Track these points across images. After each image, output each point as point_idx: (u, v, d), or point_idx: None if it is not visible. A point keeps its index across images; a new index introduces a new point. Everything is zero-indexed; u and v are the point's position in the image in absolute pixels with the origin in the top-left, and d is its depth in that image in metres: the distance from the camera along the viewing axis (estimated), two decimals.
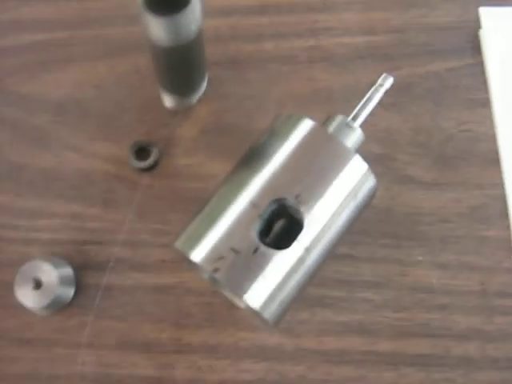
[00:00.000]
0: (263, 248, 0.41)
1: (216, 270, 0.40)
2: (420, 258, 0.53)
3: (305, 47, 0.59)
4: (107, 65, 0.58)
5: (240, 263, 0.40)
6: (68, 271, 0.51)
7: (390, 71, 0.56)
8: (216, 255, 0.41)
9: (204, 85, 0.56)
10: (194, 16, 0.45)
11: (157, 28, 0.45)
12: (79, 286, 0.52)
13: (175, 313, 0.51)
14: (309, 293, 0.52)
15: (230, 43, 0.59)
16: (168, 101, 0.55)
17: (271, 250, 0.41)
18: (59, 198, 0.54)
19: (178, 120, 0.56)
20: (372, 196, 0.46)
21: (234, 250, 0.41)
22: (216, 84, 0.58)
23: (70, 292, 0.51)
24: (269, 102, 0.57)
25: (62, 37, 0.59)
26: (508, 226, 0.54)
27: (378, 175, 0.54)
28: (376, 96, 0.49)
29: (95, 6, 0.60)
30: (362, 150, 0.54)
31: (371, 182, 0.45)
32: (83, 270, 0.52)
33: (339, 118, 0.47)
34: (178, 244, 0.43)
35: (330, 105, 0.57)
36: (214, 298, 0.52)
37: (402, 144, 0.56)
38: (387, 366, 0.51)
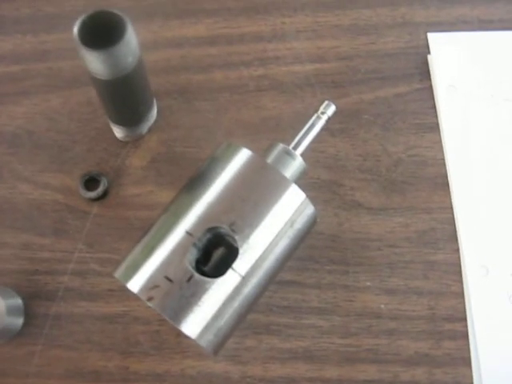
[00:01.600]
0: (197, 276, 0.41)
1: (151, 298, 0.41)
2: (368, 284, 0.53)
3: (254, 76, 0.60)
4: (60, 97, 0.59)
5: (174, 292, 0.41)
6: (17, 301, 0.52)
7: (338, 98, 0.58)
8: (151, 284, 0.41)
9: (153, 115, 0.57)
10: (129, 48, 0.46)
11: (93, 61, 0.46)
12: (28, 315, 0.52)
13: (123, 341, 0.52)
14: (255, 319, 0.52)
15: (180, 73, 0.60)
16: (118, 132, 0.56)
17: (205, 279, 0.41)
18: (10, 228, 0.55)
19: (128, 150, 0.57)
20: (312, 224, 0.46)
21: (168, 279, 0.41)
22: (166, 114, 0.58)
23: (18, 322, 0.51)
24: (218, 130, 0.58)
25: (15, 70, 0.60)
26: (457, 250, 0.54)
27: (325, 201, 0.56)
28: (318, 123, 0.49)
29: (50, 39, 0.61)
30: (310, 177, 0.56)
31: (309, 210, 0.45)
32: (32, 299, 0.53)
33: (279, 147, 0.48)
34: (117, 273, 0.43)
35: (278, 133, 0.57)
36: (161, 326, 0.52)
37: (349, 169, 0.57)
38: None
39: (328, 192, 0.56)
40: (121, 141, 0.57)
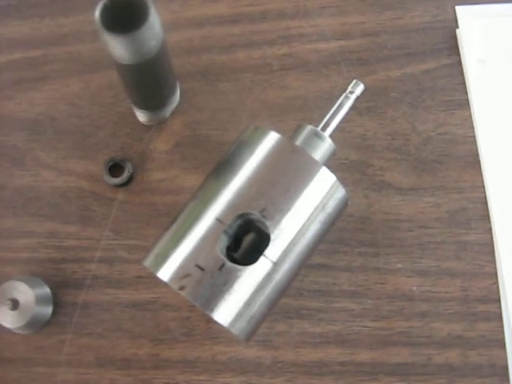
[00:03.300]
0: (229, 264, 0.40)
1: (182, 287, 0.40)
2: (399, 266, 0.52)
3: (278, 55, 0.58)
4: (81, 82, 0.58)
5: (206, 280, 0.40)
6: (45, 290, 0.51)
7: (364, 76, 0.57)
8: (182, 273, 0.41)
9: (176, 98, 0.56)
10: (153, 32, 0.44)
11: (116, 46, 0.44)
12: (57, 304, 0.52)
13: (153, 328, 0.51)
14: (286, 304, 0.51)
15: (202, 54, 0.59)
16: (141, 116, 0.55)
17: (237, 266, 0.40)
18: (36, 216, 0.54)
19: (152, 134, 0.56)
20: (343, 207, 0.45)
21: (200, 267, 0.40)
22: (189, 96, 0.57)
23: (47, 311, 0.51)
24: (242, 112, 0.57)
25: (35, 55, 0.59)
26: (489, 230, 0.53)
27: (354, 182, 0.55)
28: (347, 103, 0.48)
29: (68, 22, 0.60)
30: (338, 157, 0.54)
31: (340, 193, 0.44)
32: (61, 288, 0.52)
33: (307, 129, 0.47)
34: (147, 262, 0.43)
35: (304, 112, 0.56)
36: (191, 313, 0.52)
37: (378, 149, 0.55)
38: (367, 376, 0.50)
39: (357, 173, 0.55)
40: (144, 125, 0.56)
